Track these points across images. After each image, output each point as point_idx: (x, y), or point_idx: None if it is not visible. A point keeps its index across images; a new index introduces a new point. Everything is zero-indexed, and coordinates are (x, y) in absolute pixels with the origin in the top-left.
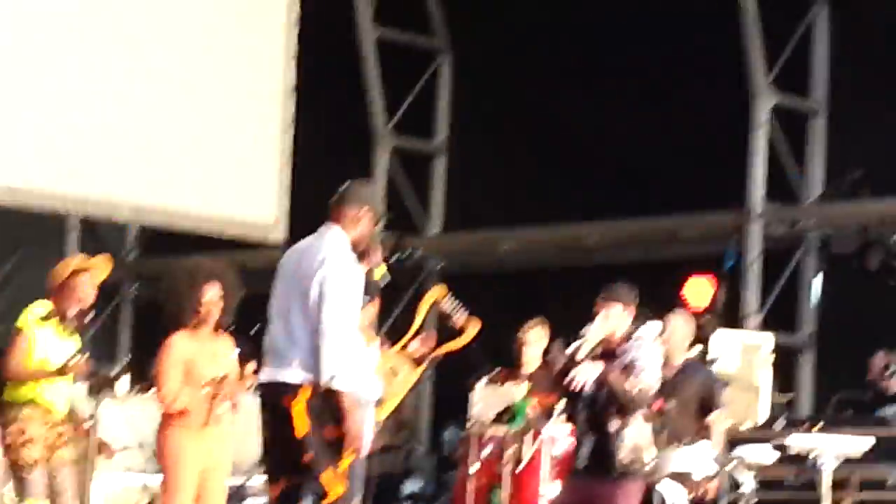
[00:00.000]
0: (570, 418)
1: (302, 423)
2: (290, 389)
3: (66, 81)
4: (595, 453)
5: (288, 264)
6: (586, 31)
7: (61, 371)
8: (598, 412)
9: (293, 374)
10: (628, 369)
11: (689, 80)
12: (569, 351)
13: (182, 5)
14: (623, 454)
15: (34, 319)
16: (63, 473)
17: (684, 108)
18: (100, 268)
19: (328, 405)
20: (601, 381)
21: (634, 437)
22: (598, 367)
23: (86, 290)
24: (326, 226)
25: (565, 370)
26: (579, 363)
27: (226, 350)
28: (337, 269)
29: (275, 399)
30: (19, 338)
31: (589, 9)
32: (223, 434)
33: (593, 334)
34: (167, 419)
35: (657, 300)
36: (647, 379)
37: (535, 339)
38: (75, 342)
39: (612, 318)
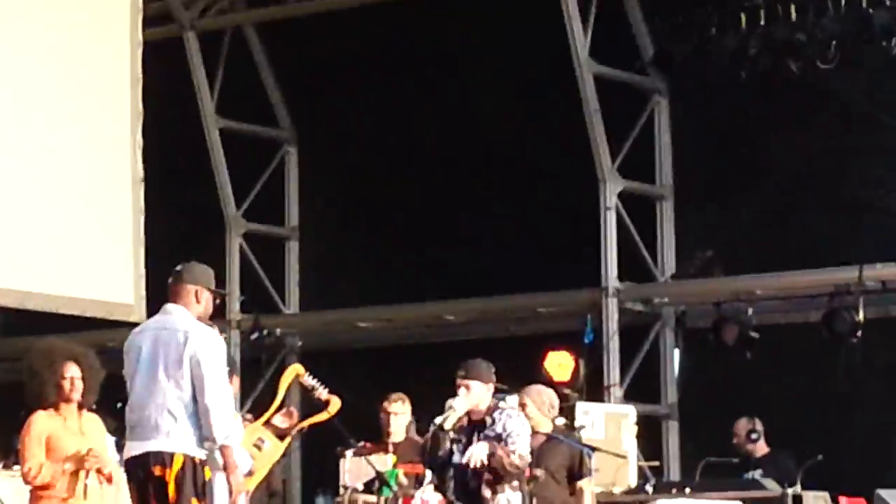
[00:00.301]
0: (437, 488)
1: (172, 492)
2: (164, 459)
3: None
4: None
5: (142, 343)
6: (438, 117)
7: None
8: (467, 480)
9: (168, 443)
10: (502, 440)
11: (544, 166)
12: (437, 421)
13: (31, 97)
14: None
15: None
16: None
17: (543, 193)
18: None
19: (194, 478)
20: (489, 456)
21: (480, 448)
22: (485, 446)
23: None
24: (171, 305)
25: (435, 439)
26: (447, 432)
27: (93, 426)
28: (206, 340)
29: (146, 469)
30: None
31: (438, 95)
32: None
33: (459, 406)
34: (34, 494)
35: (519, 374)
36: (522, 450)
37: (399, 411)
38: None
39: (473, 393)
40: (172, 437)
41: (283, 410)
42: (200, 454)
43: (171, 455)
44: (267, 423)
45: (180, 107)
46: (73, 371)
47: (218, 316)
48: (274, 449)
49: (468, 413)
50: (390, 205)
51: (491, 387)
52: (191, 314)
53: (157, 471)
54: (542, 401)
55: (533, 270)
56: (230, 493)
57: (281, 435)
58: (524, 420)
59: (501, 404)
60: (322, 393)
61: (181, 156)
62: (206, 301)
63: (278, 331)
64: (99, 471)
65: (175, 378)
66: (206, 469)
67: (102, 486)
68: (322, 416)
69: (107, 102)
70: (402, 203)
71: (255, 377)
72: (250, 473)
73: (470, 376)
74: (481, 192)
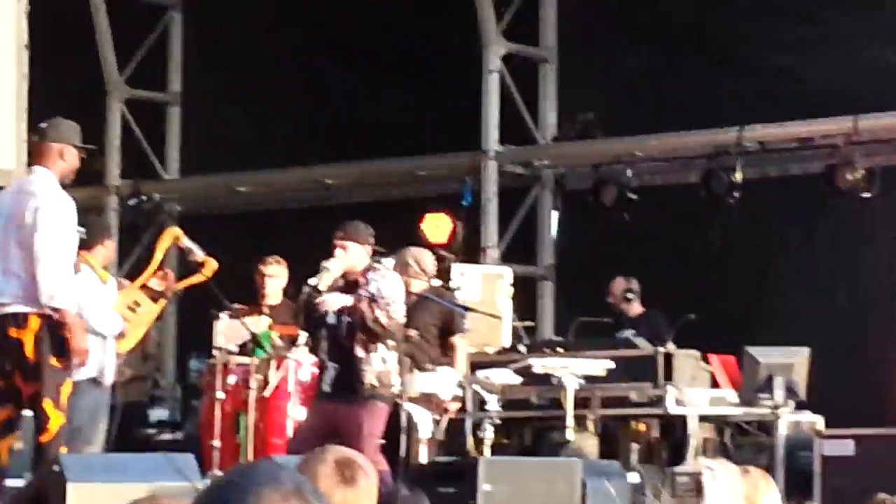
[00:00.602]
0: (311, 350)
1: (30, 352)
2: (17, 320)
3: None
4: (340, 379)
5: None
6: None
7: None
8: (341, 340)
9: (17, 306)
10: (375, 301)
11: (427, 29)
12: (311, 282)
13: None
14: (370, 379)
15: None
16: None
17: (422, 53)
18: None
19: (52, 336)
20: (349, 311)
21: (380, 363)
22: (346, 298)
23: None
24: (35, 167)
25: (309, 301)
26: (322, 293)
27: None
28: (46, 200)
29: (2, 332)
30: None
31: None
32: None
33: (334, 267)
34: None
35: (397, 238)
36: (397, 311)
37: (275, 273)
38: None
39: (350, 254)
40: (23, 298)
41: (160, 273)
42: (53, 301)
43: (25, 315)
44: (143, 286)
45: None
46: None
47: (97, 182)
48: (149, 311)
49: (344, 275)
50: (271, 70)
51: (368, 249)
52: (53, 174)
53: (12, 332)
54: (418, 261)
55: (414, 134)
56: (68, 355)
57: (156, 297)
58: (398, 280)
59: (376, 265)
60: (198, 255)
61: (65, 22)
62: (72, 158)
63: (157, 196)
64: None
65: (21, 240)
66: None
67: None
68: (198, 278)
69: None
70: (282, 67)
71: (133, 243)
72: (122, 335)
73: (347, 237)
74: (362, 54)
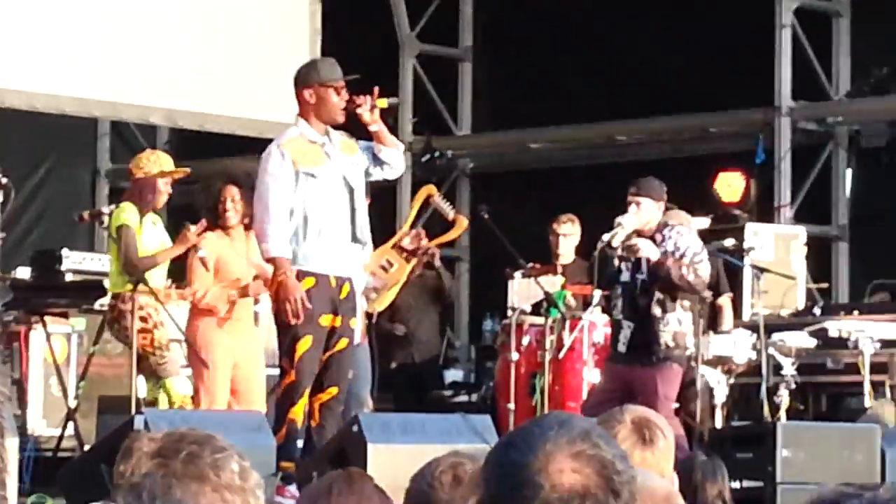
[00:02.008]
0: (604, 309)
1: (273, 309)
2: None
3: None
4: (635, 338)
5: None
6: None
7: (182, 242)
8: (636, 298)
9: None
10: (680, 258)
11: None
12: (605, 238)
13: None
14: (665, 339)
15: (130, 215)
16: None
17: (714, 10)
18: (179, 175)
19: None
20: (655, 266)
21: (676, 324)
22: (655, 248)
23: (163, 194)
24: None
25: (602, 257)
26: (615, 249)
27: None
28: (265, 155)
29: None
30: (128, 233)
31: None
32: (251, 329)
33: (627, 222)
34: (196, 314)
35: (689, 195)
36: (703, 269)
37: (568, 232)
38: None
39: (643, 210)
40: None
41: (412, 232)
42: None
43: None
44: (396, 245)
45: None
46: (230, 192)
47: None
48: (400, 270)
49: (637, 231)
50: (563, 24)
51: (661, 205)
52: (307, 122)
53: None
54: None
55: (705, 90)
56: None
57: (408, 257)
58: (697, 237)
59: (671, 222)
60: (449, 213)
61: None
62: (322, 96)
63: (450, 152)
64: (254, 294)
65: None
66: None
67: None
68: (448, 236)
69: None
70: (576, 23)
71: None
72: (377, 294)
73: (641, 193)
74: (655, 11)
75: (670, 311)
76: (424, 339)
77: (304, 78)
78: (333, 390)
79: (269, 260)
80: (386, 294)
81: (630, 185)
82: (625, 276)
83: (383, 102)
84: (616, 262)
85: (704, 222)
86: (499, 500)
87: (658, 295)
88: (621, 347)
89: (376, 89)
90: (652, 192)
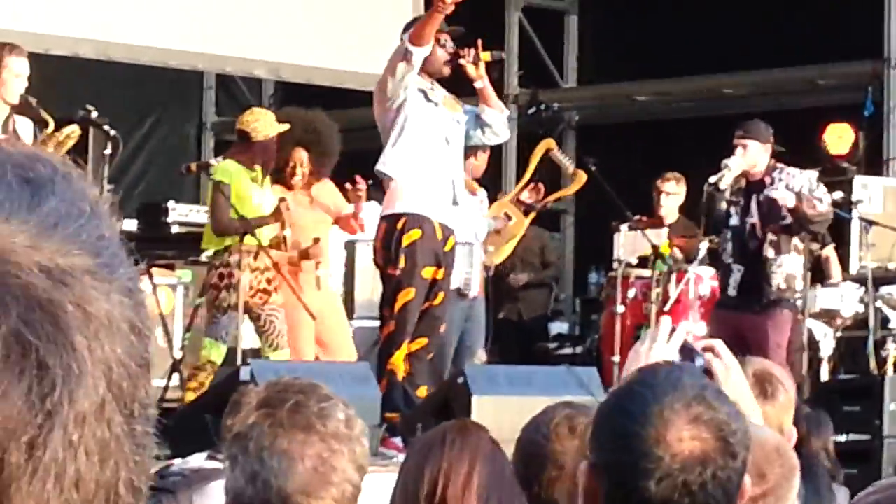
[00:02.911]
0: (712, 256)
1: (377, 259)
2: (378, 226)
3: None
4: (745, 281)
5: None
6: None
7: (276, 217)
8: (746, 242)
9: (381, 212)
10: (801, 199)
11: None
12: (712, 180)
13: None
14: (778, 281)
15: (235, 172)
16: (276, 317)
17: None
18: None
19: (389, 241)
20: (792, 211)
21: (789, 265)
22: (791, 195)
23: (274, 155)
24: None
25: (710, 200)
26: (723, 192)
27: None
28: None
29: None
30: (223, 192)
31: None
32: (317, 285)
33: (734, 164)
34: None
35: (797, 148)
36: (823, 209)
37: (672, 190)
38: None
39: (750, 153)
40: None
41: (531, 185)
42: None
43: (379, 222)
44: (514, 198)
45: None
46: (298, 156)
47: (497, 91)
48: (518, 224)
49: (745, 174)
50: None
51: (769, 147)
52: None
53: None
54: None
55: (812, 42)
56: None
57: (527, 210)
58: (811, 177)
59: (780, 164)
60: (569, 167)
61: None
62: (432, 49)
63: (556, 105)
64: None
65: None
66: (411, 231)
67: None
68: (569, 190)
69: None
70: None
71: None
72: (496, 246)
73: (748, 135)
74: None
75: (784, 252)
76: (530, 291)
77: (410, 28)
78: (423, 341)
79: None
80: (504, 247)
81: (737, 127)
82: (734, 220)
83: (487, 56)
84: (724, 205)
85: (813, 175)
86: (616, 469)
87: (771, 236)
88: (731, 291)
89: (479, 42)
90: (759, 135)
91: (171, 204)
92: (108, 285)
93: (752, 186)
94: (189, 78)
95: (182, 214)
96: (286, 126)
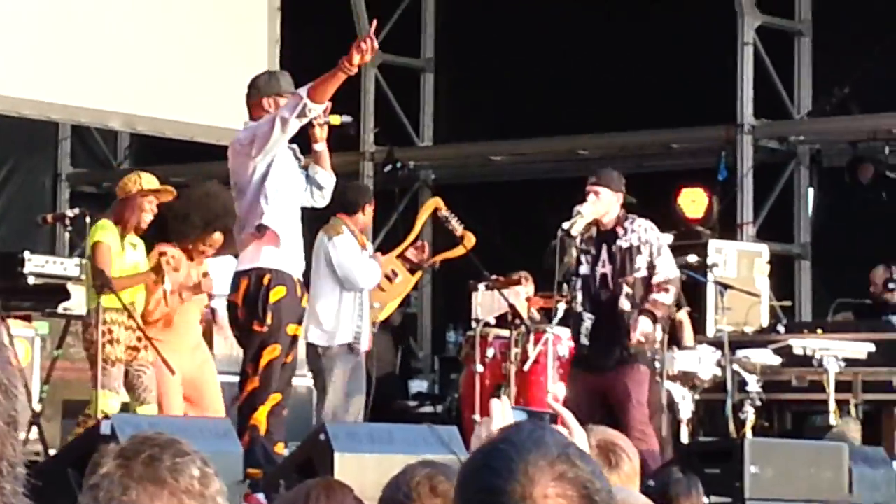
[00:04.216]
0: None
1: (241, 315)
2: (235, 282)
3: None
4: (597, 330)
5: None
6: None
7: (155, 275)
8: (598, 293)
9: (238, 267)
10: (634, 251)
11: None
12: (564, 226)
13: None
14: (636, 333)
15: (107, 233)
16: (145, 373)
17: (676, 28)
18: (165, 194)
19: (256, 297)
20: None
21: (644, 323)
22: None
23: (146, 213)
24: (245, 124)
25: (562, 245)
26: (574, 238)
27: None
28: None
29: (230, 293)
30: (101, 250)
31: None
32: (198, 335)
33: (586, 211)
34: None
35: (652, 211)
36: (667, 268)
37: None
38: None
39: (602, 200)
40: (241, 259)
41: (417, 244)
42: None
43: (238, 277)
44: (400, 255)
45: None
46: (215, 240)
47: (352, 147)
48: (405, 282)
49: (596, 223)
50: (525, 37)
51: (620, 196)
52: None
53: (230, 297)
54: None
55: (668, 106)
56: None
57: (413, 269)
58: (660, 233)
59: (630, 215)
60: (457, 228)
61: None
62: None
63: (412, 163)
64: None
65: (234, 190)
66: (277, 288)
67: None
68: (456, 252)
69: None
70: (536, 36)
71: (388, 210)
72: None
73: (600, 182)
74: (616, 25)
75: (639, 304)
76: (381, 351)
77: (266, 87)
78: (278, 396)
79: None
80: (390, 303)
81: (590, 174)
82: (584, 269)
83: (336, 119)
84: (574, 252)
85: (667, 238)
86: None
87: (627, 289)
88: (584, 340)
89: (329, 104)
90: (611, 183)
91: (26, 254)
92: None
93: (603, 235)
94: (44, 128)
95: (38, 265)
96: (153, 185)
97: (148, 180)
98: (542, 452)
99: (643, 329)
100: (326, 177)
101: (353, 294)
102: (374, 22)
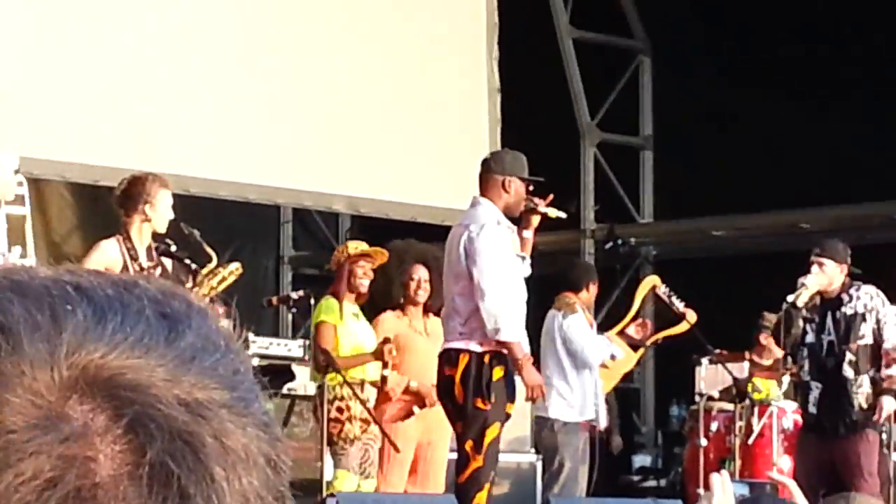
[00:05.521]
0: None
1: (458, 391)
2: (451, 357)
3: (283, 79)
4: (824, 399)
5: (447, 244)
6: (799, 28)
7: (377, 355)
8: (823, 361)
9: (455, 342)
10: (859, 319)
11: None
12: (789, 299)
13: (394, 16)
14: (860, 400)
15: (330, 313)
16: (372, 447)
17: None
18: (377, 256)
19: (479, 375)
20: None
21: (869, 385)
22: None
23: (360, 278)
24: (477, 198)
25: (787, 317)
26: (799, 310)
27: (439, 330)
28: (478, 229)
29: (440, 369)
30: (324, 330)
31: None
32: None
33: (811, 282)
34: (383, 398)
35: (877, 283)
36: (892, 334)
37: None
38: (363, 321)
39: (826, 272)
40: (462, 335)
41: (638, 321)
42: (499, 335)
43: (458, 353)
44: (621, 332)
45: (535, 18)
46: (421, 273)
47: (572, 226)
48: (627, 359)
49: (820, 292)
50: (744, 112)
51: (844, 268)
52: (495, 206)
53: (446, 370)
54: None
55: (889, 176)
56: (525, 388)
57: (634, 345)
58: (885, 299)
59: (856, 283)
60: (678, 306)
61: (536, 67)
62: (517, 189)
63: (633, 240)
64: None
65: (456, 274)
66: (498, 368)
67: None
68: (678, 329)
69: (463, 14)
70: (756, 110)
71: (609, 287)
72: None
73: (825, 254)
74: (836, 96)
75: (864, 371)
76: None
77: (509, 166)
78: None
79: (502, 343)
80: (613, 380)
81: (815, 246)
82: (810, 338)
83: (553, 213)
84: (800, 322)
85: (894, 310)
86: None
87: (850, 356)
88: (812, 409)
89: (551, 196)
90: (835, 254)
91: (251, 336)
92: (245, 419)
93: (827, 303)
94: (266, 211)
95: (262, 347)
96: (360, 249)
97: (354, 246)
98: None
99: (888, 409)
100: (526, 265)
101: (588, 370)
102: (551, 196)
